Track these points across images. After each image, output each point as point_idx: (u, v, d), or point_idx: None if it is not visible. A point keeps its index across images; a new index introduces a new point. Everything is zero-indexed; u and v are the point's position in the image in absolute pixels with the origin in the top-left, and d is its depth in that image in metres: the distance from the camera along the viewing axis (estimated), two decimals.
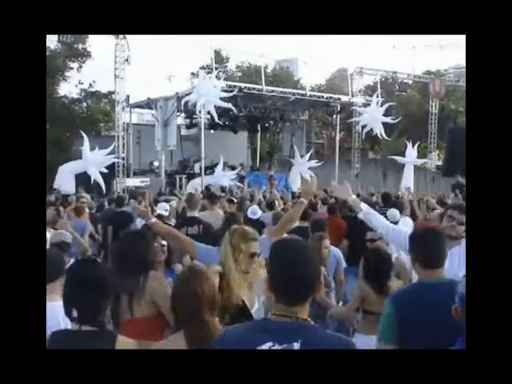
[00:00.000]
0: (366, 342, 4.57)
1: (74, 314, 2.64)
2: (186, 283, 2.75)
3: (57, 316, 3.13)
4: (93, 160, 16.45)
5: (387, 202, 10.46)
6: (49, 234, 6.13)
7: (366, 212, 4.26)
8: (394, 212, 7.68)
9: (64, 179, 15.91)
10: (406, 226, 5.54)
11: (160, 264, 4.67)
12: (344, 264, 6.40)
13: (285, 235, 4.38)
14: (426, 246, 3.14)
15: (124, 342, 2.67)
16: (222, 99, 19.36)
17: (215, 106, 19.37)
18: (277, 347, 2.06)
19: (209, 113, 19.31)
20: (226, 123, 26.53)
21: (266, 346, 2.07)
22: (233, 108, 20.52)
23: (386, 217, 7.37)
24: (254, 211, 7.84)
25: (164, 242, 4.74)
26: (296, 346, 2.05)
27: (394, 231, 4.24)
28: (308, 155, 25.26)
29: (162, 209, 8.28)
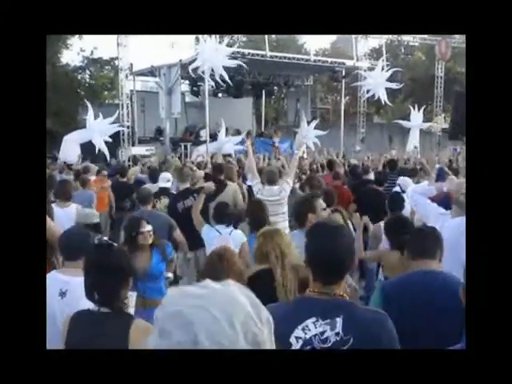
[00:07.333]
0: None
1: (96, 296, 2.74)
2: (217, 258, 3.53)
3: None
4: (97, 128, 16.33)
5: (394, 168, 10.54)
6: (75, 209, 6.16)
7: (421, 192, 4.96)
8: (405, 181, 7.75)
9: (69, 149, 15.87)
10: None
11: (147, 247, 4.88)
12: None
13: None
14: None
15: (139, 325, 2.73)
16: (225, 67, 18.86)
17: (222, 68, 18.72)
18: (320, 322, 2.16)
19: (221, 76, 18.63)
20: (230, 89, 26.27)
21: (310, 321, 2.18)
22: (242, 63, 19.65)
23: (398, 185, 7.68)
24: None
25: (150, 228, 4.88)
26: (338, 321, 2.16)
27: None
28: (314, 124, 24.86)
29: (164, 180, 8.17)
